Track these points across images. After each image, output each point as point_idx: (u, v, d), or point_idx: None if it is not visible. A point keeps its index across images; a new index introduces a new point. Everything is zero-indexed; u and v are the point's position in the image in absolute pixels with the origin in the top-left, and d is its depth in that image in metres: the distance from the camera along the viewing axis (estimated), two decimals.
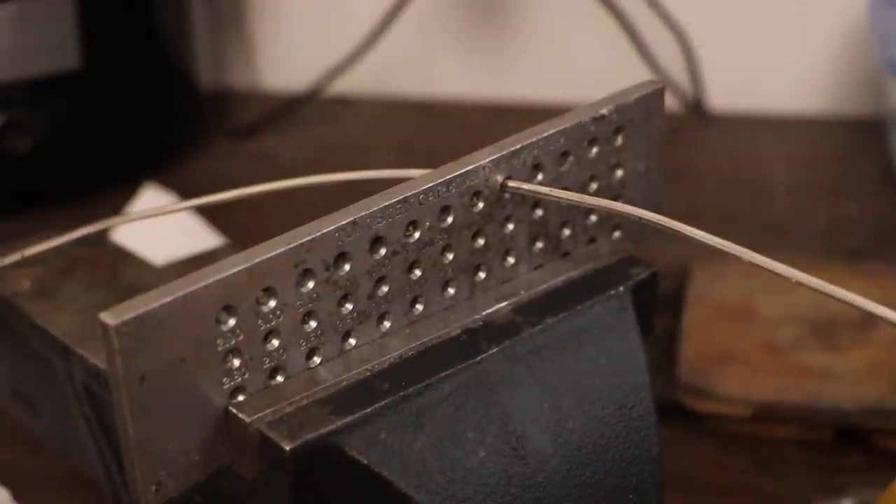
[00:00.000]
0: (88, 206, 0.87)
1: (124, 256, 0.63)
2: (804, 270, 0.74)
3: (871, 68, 0.95)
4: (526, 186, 0.46)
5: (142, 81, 0.91)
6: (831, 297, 0.40)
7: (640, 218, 0.44)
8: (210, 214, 0.79)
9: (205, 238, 0.71)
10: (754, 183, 0.90)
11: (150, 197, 0.79)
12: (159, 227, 0.66)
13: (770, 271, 0.42)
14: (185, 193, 0.82)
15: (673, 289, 0.74)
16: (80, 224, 0.65)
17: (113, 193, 0.85)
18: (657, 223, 0.44)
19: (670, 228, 0.43)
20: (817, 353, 0.68)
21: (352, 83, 1.00)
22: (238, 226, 0.78)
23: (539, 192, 0.46)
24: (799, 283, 0.41)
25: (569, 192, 0.47)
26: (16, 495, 0.62)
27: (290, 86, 1.02)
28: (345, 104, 1.01)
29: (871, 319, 0.71)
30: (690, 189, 0.89)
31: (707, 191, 0.89)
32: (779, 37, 0.97)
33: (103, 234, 0.66)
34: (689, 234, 0.43)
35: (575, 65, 1.00)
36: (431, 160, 0.50)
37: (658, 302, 0.50)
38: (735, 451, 0.65)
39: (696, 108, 0.98)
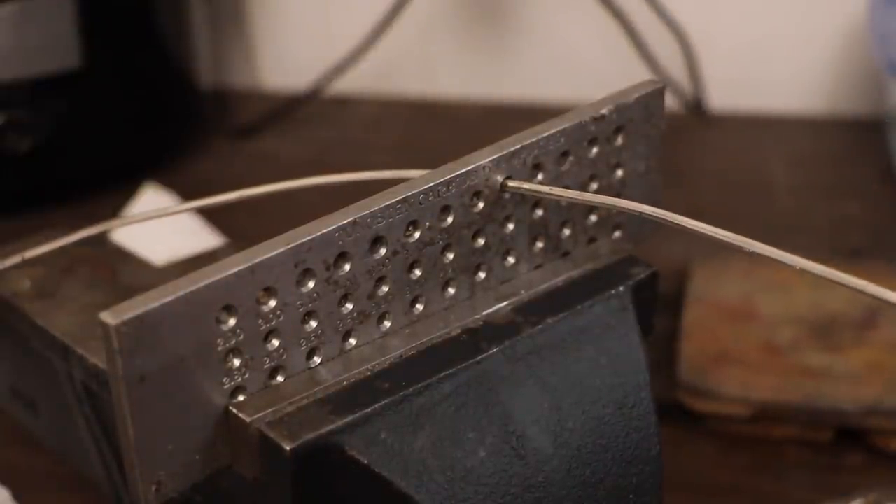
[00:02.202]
0: (88, 206, 0.87)
1: (124, 256, 0.63)
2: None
3: (871, 68, 0.95)
4: (526, 186, 0.46)
5: (142, 81, 0.91)
6: (836, 283, 0.40)
7: (641, 213, 0.44)
8: (210, 214, 0.79)
9: (205, 238, 0.71)
10: (754, 183, 0.90)
11: (150, 197, 0.79)
12: (159, 227, 0.66)
13: (774, 260, 0.41)
14: (185, 193, 0.82)
15: (673, 289, 0.74)
16: (81, 224, 0.65)
17: (113, 193, 0.85)
18: (657, 217, 0.44)
19: (671, 222, 0.43)
20: (817, 353, 0.68)
21: (352, 83, 1.00)
22: (238, 226, 0.78)
23: (539, 192, 0.46)
24: (803, 271, 0.41)
25: (569, 191, 0.47)
26: (15, 495, 0.62)
27: (290, 85, 1.02)
28: (345, 104, 1.01)
29: (870, 319, 0.71)
30: (690, 189, 0.89)
31: (707, 191, 0.89)
32: (779, 36, 0.97)
33: (103, 234, 0.66)
34: (689, 226, 0.43)
35: (575, 65, 1.00)
36: (431, 160, 0.50)
37: (658, 302, 0.50)
38: (734, 450, 0.65)
39: (695, 107, 0.98)
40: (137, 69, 0.91)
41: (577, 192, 0.47)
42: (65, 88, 0.86)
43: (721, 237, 0.42)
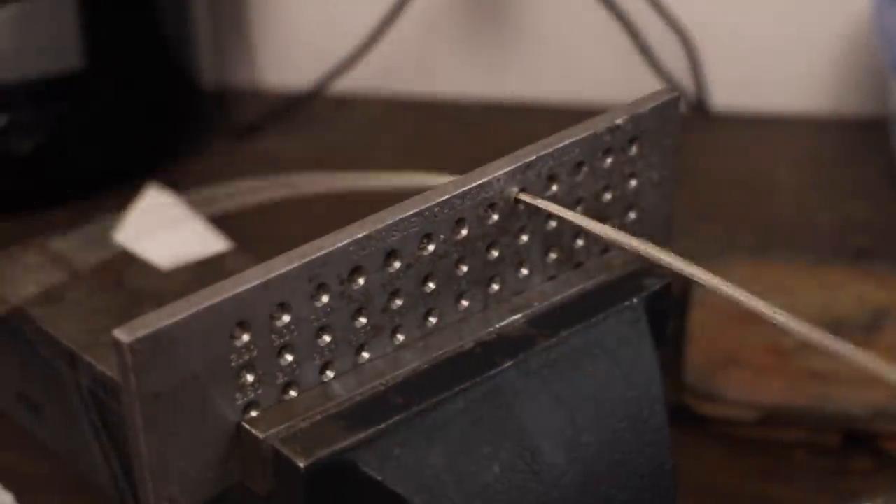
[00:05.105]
0: (90, 206, 0.86)
1: (130, 260, 0.63)
2: (808, 272, 0.74)
3: (876, 68, 0.95)
4: (540, 203, 0.46)
5: (143, 81, 0.91)
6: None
7: (642, 254, 0.44)
8: (215, 218, 0.79)
9: (210, 241, 0.71)
10: (757, 183, 0.90)
11: (153, 199, 0.79)
12: (165, 230, 0.66)
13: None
14: (187, 194, 0.81)
15: (679, 291, 0.73)
16: (81, 224, 0.65)
17: (114, 194, 0.84)
18: (658, 259, 0.44)
19: (671, 266, 0.43)
20: (824, 356, 0.68)
21: (353, 82, 1.00)
22: (244, 229, 0.77)
23: (551, 210, 0.46)
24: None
25: (579, 216, 0.47)
26: (20, 500, 0.61)
27: (291, 85, 1.02)
28: (346, 103, 1.01)
29: (877, 322, 0.71)
30: (694, 189, 0.88)
31: (710, 191, 0.89)
32: (782, 36, 0.97)
33: (108, 237, 0.66)
34: (688, 273, 0.43)
35: (577, 64, 1.00)
36: (433, 160, 0.51)
37: (672, 311, 0.50)
38: (742, 454, 0.65)
39: (699, 107, 0.98)
40: (139, 69, 0.90)
41: (584, 218, 0.47)
42: (66, 89, 0.85)
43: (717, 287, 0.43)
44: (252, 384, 0.42)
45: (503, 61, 1.01)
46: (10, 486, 0.62)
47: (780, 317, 0.42)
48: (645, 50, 0.95)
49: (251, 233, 0.73)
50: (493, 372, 0.45)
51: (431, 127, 0.99)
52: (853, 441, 0.65)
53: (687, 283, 0.74)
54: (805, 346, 0.68)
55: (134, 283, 0.61)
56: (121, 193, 0.82)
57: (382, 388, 0.44)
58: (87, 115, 0.87)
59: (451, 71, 1.02)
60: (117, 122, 0.90)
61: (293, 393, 0.43)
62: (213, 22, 1.01)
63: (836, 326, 0.70)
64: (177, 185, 0.83)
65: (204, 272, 0.61)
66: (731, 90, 0.98)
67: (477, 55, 1.01)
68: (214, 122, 0.98)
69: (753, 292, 0.72)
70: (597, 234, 0.46)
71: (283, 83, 1.03)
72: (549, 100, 0.99)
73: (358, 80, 1.00)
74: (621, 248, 0.50)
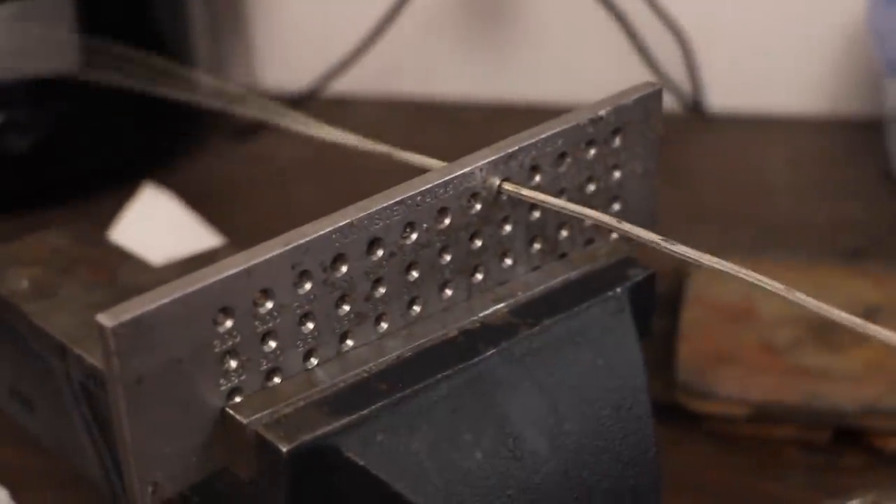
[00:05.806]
0: (88, 206, 0.87)
1: (123, 256, 0.63)
2: (803, 271, 0.74)
3: (871, 69, 0.95)
4: (524, 191, 0.46)
5: None
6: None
7: (629, 233, 0.44)
8: (208, 214, 0.79)
9: (203, 237, 0.71)
10: (754, 183, 0.90)
11: (150, 197, 0.79)
12: (157, 227, 0.67)
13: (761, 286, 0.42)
14: (185, 193, 0.82)
15: (671, 289, 0.73)
16: (80, 224, 0.65)
17: (112, 193, 0.85)
18: (644, 239, 0.44)
19: (659, 245, 0.43)
20: (816, 353, 0.68)
21: (352, 83, 1.00)
22: (236, 225, 0.78)
23: (534, 199, 0.46)
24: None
25: (563, 201, 0.47)
26: (14, 496, 0.62)
27: (289, 85, 1.02)
28: (344, 104, 1.01)
29: (869, 319, 0.70)
30: (690, 190, 0.89)
31: (706, 192, 0.89)
32: (778, 37, 0.97)
33: (102, 233, 0.66)
34: (674, 251, 0.43)
35: (575, 65, 1.00)
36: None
37: (656, 302, 0.50)
38: (733, 451, 0.65)
39: (695, 108, 0.98)
40: None
41: (571, 204, 0.47)
42: (65, 88, 0.86)
43: (706, 262, 0.43)
44: (236, 370, 0.42)
45: (503, 62, 1.02)
46: (4, 482, 0.63)
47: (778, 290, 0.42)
48: (642, 51, 0.95)
49: (244, 229, 0.73)
50: (476, 360, 0.45)
51: (430, 128, 0.99)
52: (844, 437, 0.65)
53: (679, 281, 0.74)
54: (796, 344, 0.69)
55: (127, 279, 0.61)
56: (118, 192, 0.83)
57: (366, 375, 0.44)
58: (84, 114, 0.87)
59: (450, 71, 1.02)
60: (115, 121, 0.90)
61: (277, 379, 0.44)
62: (211, 22, 1.01)
63: (829, 323, 0.70)
64: (175, 185, 0.84)
65: (196, 268, 0.61)
66: (727, 91, 0.98)
67: (477, 56, 1.02)
68: (213, 122, 0.99)
69: (748, 289, 0.72)
70: (580, 216, 0.46)
71: (282, 84, 1.03)
72: (547, 100, 0.99)
73: (357, 81, 1.00)
74: (605, 236, 0.51)
